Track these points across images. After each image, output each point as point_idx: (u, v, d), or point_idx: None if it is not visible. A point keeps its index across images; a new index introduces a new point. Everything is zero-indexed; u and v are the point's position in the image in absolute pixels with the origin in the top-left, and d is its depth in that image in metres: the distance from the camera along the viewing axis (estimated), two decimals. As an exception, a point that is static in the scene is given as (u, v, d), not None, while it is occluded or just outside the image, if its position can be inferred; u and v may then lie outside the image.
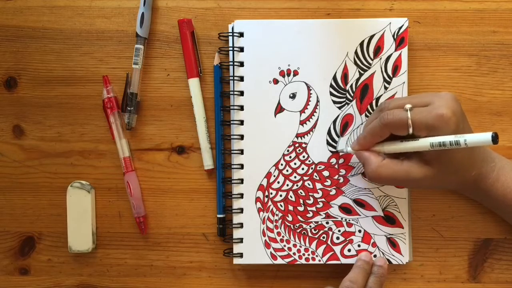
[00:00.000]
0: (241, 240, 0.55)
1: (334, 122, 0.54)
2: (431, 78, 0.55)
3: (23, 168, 0.58)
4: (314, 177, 0.54)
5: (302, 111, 0.54)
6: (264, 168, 0.55)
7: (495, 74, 0.55)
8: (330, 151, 0.54)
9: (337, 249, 0.54)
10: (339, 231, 0.54)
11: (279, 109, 0.54)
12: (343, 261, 0.54)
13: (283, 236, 0.54)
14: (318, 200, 0.54)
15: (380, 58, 0.54)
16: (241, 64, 0.55)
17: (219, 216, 0.56)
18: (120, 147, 0.56)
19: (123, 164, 0.56)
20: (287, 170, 0.55)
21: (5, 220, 0.58)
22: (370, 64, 0.54)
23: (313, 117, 0.54)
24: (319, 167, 0.54)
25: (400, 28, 0.53)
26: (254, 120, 0.55)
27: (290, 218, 0.55)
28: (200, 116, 0.56)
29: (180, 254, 0.57)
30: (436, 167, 0.47)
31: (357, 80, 0.54)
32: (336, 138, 0.54)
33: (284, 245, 0.54)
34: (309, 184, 0.55)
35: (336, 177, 0.54)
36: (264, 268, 0.57)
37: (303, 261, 0.54)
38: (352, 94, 0.54)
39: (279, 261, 0.54)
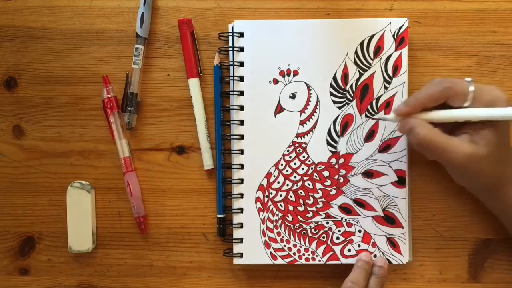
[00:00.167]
0: (241, 240, 0.55)
1: (334, 122, 0.54)
2: (431, 78, 0.55)
3: (23, 168, 0.58)
4: (314, 177, 0.54)
5: (302, 111, 0.54)
6: (264, 168, 0.55)
7: (495, 74, 0.55)
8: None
9: (337, 249, 0.54)
10: (339, 231, 0.54)
11: (279, 109, 0.54)
12: (343, 261, 0.54)
13: (283, 236, 0.55)
14: (318, 200, 0.54)
15: (380, 58, 0.54)
16: (241, 64, 0.55)
17: (219, 216, 0.56)
18: (120, 147, 0.56)
19: (123, 164, 0.56)
20: (287, 170, 0.55)
21: (5, 220, 0.58)
22: (370, 64, 0.54)
23: (313, 117, 0.54)
24: (319, 167, 0.54)
25: (400, 28, 0.53)
26: (254, 120, 0.55)
27: (290, 218, 0.55)
28: (200, 116, 0.56)
29: (180, 254, 0.57)
30: (486, 147, 0.47)
31: (357, 80, 0.54)
32: (336, 138, 0.54)
33: (284, 245, 0.54)
34: (309, 184, 0.55)
35: (336, 177, 0.54)
36: (264, 268, 0.57)
37: (303, 261, 0.54)
38: (352, 94, 0.54)
39: (279, 261, 0.54)
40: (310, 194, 0.54)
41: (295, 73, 0.54)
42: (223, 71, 0.56)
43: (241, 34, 0.54)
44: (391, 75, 0.54)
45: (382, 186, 0.54)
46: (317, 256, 0.54)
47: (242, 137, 0.55)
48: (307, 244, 0.54)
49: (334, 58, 0.54)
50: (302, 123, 0.54)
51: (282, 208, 0.55)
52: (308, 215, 0.54)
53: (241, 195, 0.55)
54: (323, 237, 0.54)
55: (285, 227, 0.55)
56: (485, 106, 0.47)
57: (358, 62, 0.54)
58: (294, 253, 0.54)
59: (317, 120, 0.54)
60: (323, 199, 0.54)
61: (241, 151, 0.55)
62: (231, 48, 0.55)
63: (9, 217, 0.58)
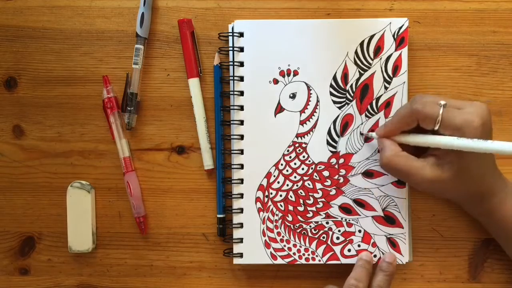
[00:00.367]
0: (241, 240, 0.55)
1: (334, 122, 0.54)
2: (431, 78, 0.55)
3: (23, 168, 0.58)
4: (314, 177, 0.54)
5: (302, 111, 0.54)
6: (264, 168, 0.55)
7: (495, 74, 0.55)
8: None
9: (337, 249, 0.54)
10: (339, 231, 0.54)
11: (279, 109, 0.54)
12: (343, 261, 0.54)
13: (283, 236, 0.55)
14: (318, 200, 0.54)
15: (380, 58, 0.54)
16: (241, 64, 0.55)
17: (219, 216, 0.56)
18: (120, 147, 0.56)
19: (123, 164, 0.56)
20: (287, 170, 0.55)
21: (5, 220, 0.58)
22: (370, 64, 0.54)
23: (313, 117, 0.54)
24: (319, 167, 0.54)
25: (400, 28, 0.53)
26: (254, 120, 0.55)
27: (290, 218, 0.55)
28: (200, 116, 0.56)
29: (180, 254, 0.57)
30: (450, 172, 0.47)
31: (357, 80, 0.54)
32: (336, 138, 0.54)
33: (284, 245, 0.54)
34: (309, 184, 0.55)
35: (336, 177, 0.54)
36: (264, 268, 0.57)
37: (303, 261, 0.54)
38: (352, 94, 0.54)
39: (279, 261, 0.54)
40: (310, 194, 0.54)
41: (295, 73, 0.54)
42: (223, 71, 0.56)
43: (241, 34, 0.54)
44: (391, 75, 0.54)
45: (382, 186, 0.54)
46: (317, 256, 0.54)
47: (242, 137, 0.55)
48: (307, 244, 0.54)
49: (334, 58, 0.54)
50: (302, 123, 0.54)
51: (282, 208, 0.55)
52: (308, 215, 0.54)
53: (241, 195, 0.55)
54: (323, 237, 0.54)
55: (285, 227, 0.55)
56: (453, 131, 0.46)
57: (358, 62, 0.54)
58: (294, 253, 0.54)
59: (317, 120, 0.54)
60: (323, 199, 0.54)
61: (241, 151, 0.55)
62: (231, 48, 0.55)
63: (9, 217, 0.58)
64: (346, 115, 0.54)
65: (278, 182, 0.55)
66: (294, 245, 0.54)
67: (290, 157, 0.54)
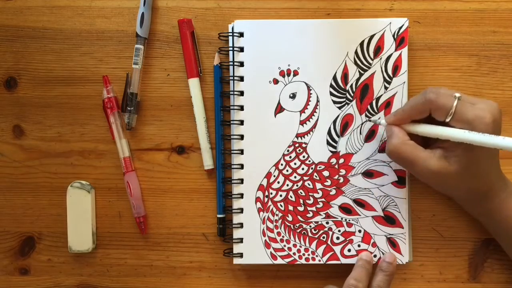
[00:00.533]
0: (241, 240, 0.55)
1: (334, 122, 0.54)
2: (431, 78, 0.55)
3: (23, 168, 0.58)
4: (314, 177, 0.54)
5: (302, 111, 0.54)
6: (264, 168, 0.55)
7: (495, 74, 0.55)
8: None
9: (337, 249, 0.54)
10: (339, 231, 0.54)
11: (279, 109, 0.54)
12: (343, 261, 0.54)
13: (283, 236, 0.55)
14: (318, 200, 0.54)
15: (380, 58, 0.54)
16: (241, 64, 0.55)
17: (219, 216, 0.56)
18: (120, 147, 0.56)
19: (123, 164, 0.56)
20: (287, 170, 0.55)
21: (5, 220, 0.58)
22: (370, 64, 0.54)
23: (313, 117, 0.54)
24: (319, 167, 0.54)
25: (400, 28, 0.53)
26: (254, 120, 0.55)
27: (290, 218, 0.55)
28: (200, 116, 0.56)
29: (180, 254, 0.57)
30: (456, 165, 0.47)
31: (357, 80, 0.54)
32: (336, 138, 0.54)
33: (284, 245, 0.54)
34: (309, 184, 0.55)
35: (336, 177, 0.54)
36: (264, 268, 0.57)
37: (303, 261, 0.54)
38: (352, 94, 0.54)
39: (279, 261, 0.54)
40: (310, 194, 0.54)
41: (295, 73, 0.54)
42: (223, 71, 0.56)
43: (241, 34, 0.54)
44: (391, 75, 0.54)
45: (382, 186, 0.54)
46: (317, 256, 0.54)
47: (242, 137, 0.55)
48: (307, 244, 0.54)
49: (334, 58, 0.54)
50: (302, 123, 0.54)
51: (282, 208, 0.55)
52: (308, 215, 0.54)
53: (241, 195, 0.55)
54: (323, 237, 0.54)
55: (285, 227, 0.55)
56: (464, 125, 0.46)
57: (358, 62, 0.54)
58: (294, 253, 0.54)
59: (317, 120, 0.54)
60: (323, 199, 0.54)
61: (241, 151, 0.55)
62: (231, 48, 0.55)
63: (9, 217, 0.58)
64: (346, 115, 0.54)
65: (278, 182, 0.55)
66: (294, 245, 0.54)
67: (290, 157, 0.54)
